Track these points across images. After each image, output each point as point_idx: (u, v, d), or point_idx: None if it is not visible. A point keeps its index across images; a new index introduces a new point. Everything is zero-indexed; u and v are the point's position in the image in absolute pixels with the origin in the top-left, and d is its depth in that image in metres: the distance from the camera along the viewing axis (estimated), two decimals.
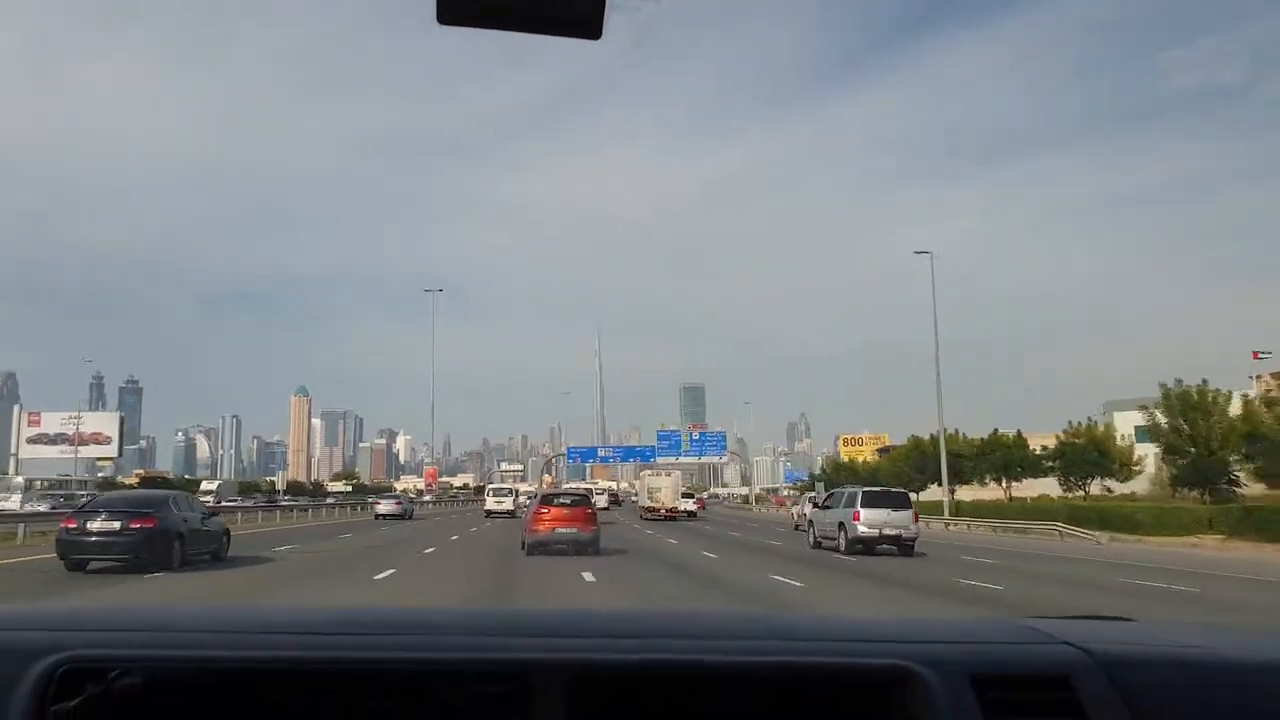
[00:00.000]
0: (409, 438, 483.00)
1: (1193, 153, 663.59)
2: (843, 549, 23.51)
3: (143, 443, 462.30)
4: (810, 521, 26.65)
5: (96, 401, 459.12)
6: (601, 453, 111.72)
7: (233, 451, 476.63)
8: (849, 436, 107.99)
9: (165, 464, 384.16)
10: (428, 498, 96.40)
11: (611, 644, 1.29)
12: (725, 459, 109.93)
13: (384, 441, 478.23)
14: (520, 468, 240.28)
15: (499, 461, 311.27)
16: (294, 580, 16.48)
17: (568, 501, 22.00)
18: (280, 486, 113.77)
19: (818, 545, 25.72)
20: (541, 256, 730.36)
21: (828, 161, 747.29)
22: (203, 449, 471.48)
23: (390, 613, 1.59)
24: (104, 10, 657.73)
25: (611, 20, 0.99)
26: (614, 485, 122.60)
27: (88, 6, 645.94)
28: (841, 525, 23.90)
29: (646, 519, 50.32)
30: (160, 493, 21.94)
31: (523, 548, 21.12)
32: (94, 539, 16.30)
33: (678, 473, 63.03)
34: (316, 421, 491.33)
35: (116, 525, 16.33)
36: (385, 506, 52.37)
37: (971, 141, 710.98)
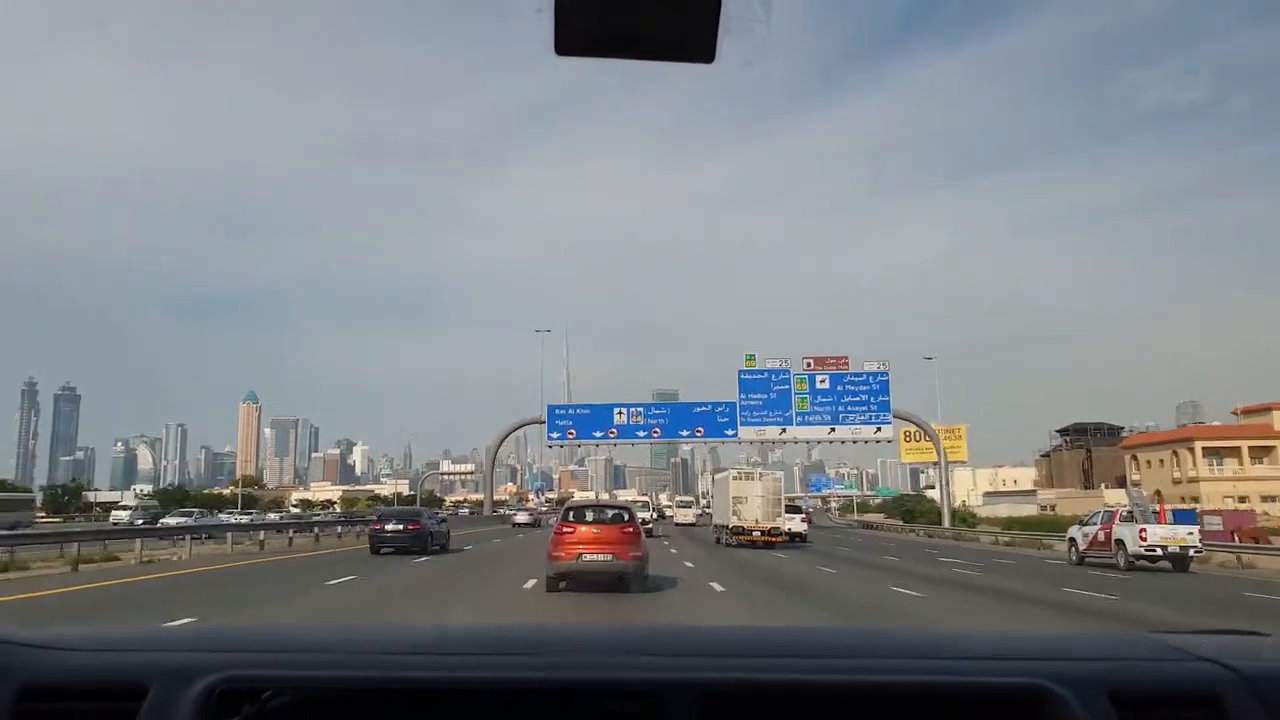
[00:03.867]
0: (366, 448, 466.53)
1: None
2: None
3: (79, 454, 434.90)
4: None
5: (29, 409, 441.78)
6: (619, 417, 61.67)
7: (177, 462, 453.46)
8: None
9: (103, 477, 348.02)
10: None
11: (745, 663, 1.30)
12: (885, 433, 62.81)
13: (338, 452, 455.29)
14: (471, 468, 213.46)
15: (444, 463, 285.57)
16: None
17: (601, 517, 16.05)
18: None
19: None
20: (513, 266, 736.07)
21: (806, 173, 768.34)
22: (145, 460, 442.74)
23: (529, 630, 1.71)
24: (71, 11, 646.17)
25: (724, 43, 0.99)
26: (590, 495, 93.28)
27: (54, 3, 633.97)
28: None
29: (733, 545, 32.67)
30: (417, 508, 38.23)
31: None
32: (388, 535, 27.52)
33: (775, 475, 37.92)
34: (268, 431, 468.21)
35: (401, 526, 27.62)
36: (522, 516, 65.72)
37: (942, 157, 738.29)
